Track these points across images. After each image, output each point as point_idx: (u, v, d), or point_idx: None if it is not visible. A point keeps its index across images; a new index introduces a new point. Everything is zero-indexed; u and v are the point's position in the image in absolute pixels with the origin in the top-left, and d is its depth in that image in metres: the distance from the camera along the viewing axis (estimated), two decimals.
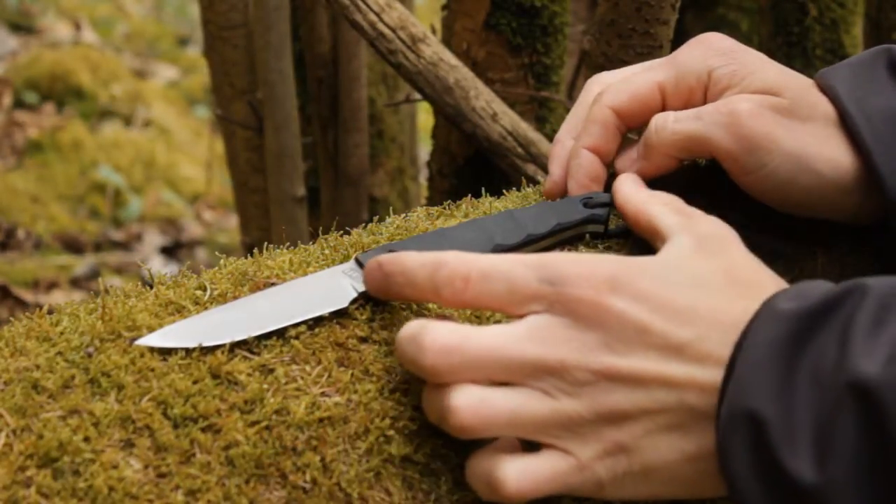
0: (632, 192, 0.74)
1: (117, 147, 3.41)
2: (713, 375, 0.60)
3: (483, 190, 0.84)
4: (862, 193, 0.75)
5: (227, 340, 0.66)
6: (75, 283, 2.78)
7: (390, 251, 0.72)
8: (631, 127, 0.81)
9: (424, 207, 0.84)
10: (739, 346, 0.59)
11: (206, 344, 0.66)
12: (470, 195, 0.86)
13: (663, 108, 0.79)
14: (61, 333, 0.67)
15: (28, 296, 2.62)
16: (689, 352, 0.61)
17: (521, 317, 0.63)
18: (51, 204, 3.11)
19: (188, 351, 0.66)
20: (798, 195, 0.75)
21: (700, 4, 2.02)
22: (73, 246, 2.97)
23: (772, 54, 1.62)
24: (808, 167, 0.74)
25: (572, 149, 0.81)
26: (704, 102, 0.78)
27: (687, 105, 0.79)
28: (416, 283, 0.65)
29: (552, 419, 0.61)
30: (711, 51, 0.78)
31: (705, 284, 0.63)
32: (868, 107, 0.74)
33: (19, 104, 3.65)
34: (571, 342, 0.61)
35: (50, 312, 0.70)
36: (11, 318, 0.71)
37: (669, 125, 0.76)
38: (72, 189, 3.20)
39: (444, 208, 0.84)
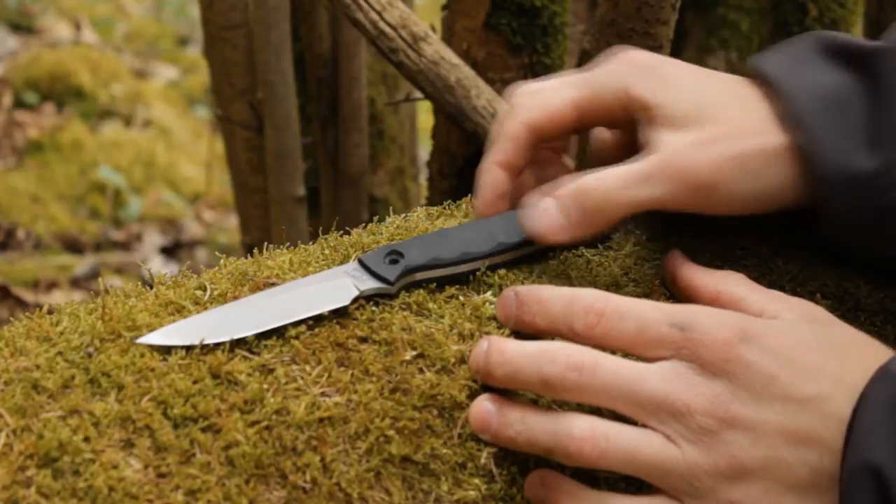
0: (700, 276, 0.72)
1: (117, 147, 3.41)
2: (836, 434, 0.60)
3: None
4: (796, 175, 0.73)
5: (227, 338, 0.66)
6: (75, 283, 2.78)
7: (394, 251, 0.72)
8: (544, 142, 0.79)
9: (424, 207, 0.84)
10: (860, 405, 0.60)
11: (207, 342, 0.66)
12: (470, 195, 0.86)
13: (579, 125, 0.77)
14: (61, 333, 0.67)
15: (28, 296, 2.62)
16: (813, 408, 0.61)
17: (648, 360, 0.64)
18: (51, 204, 3.11)
19: (188, 350, 0.66)
20: (744, 204, 0.74)
21: (700, 4, 2.02)
22: (73, 246, 2.97)
23: None
24: (753, 176, 0.73)
25: (482, 164, 0.78)
26: (624, 120, 0.76)
27: (605, 122, 0.77)
28: (551, 314, 0.66)
29: (671, 466, 0.61)
30: (629, 67, 0.76)
31: (828, 348, 0.64)
32: (799, 84, 0.73)
33: (19, 104, 3.65)
34: (698, 387, 0.62)
35: (50, 312, 0.70)
36: (11, 318, 0.71)
37: (617, 193, 0.72)
38: (72, 189, 3.20)
39: (444, 208, 0.84)
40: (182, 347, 0.66)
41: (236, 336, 0.66)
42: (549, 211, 0.73)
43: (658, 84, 0.75)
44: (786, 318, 0.66)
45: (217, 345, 0.66)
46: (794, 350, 0.63)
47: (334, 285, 0.70)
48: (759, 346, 0.62)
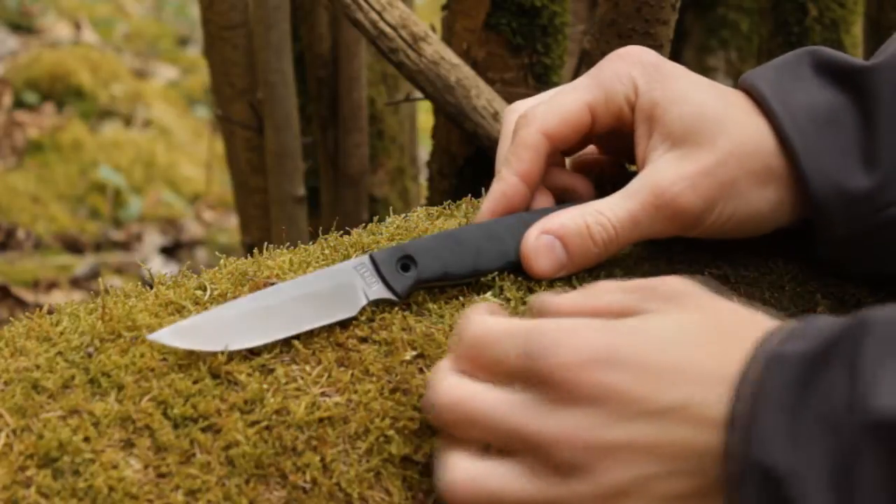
0: (564, 301, 0.66)
1: (117, 147, 3.41)
2: (712, 438, 0.56)
3: (483, 190, 0.84)
4: (791, 196, 0.74)
5: (236, 348, 0.66)
6: (75, 283, 2.78)
7: (406, 255, 0.71)
8: (559, 151, 0.78)
9: (424, 207, 0.84)
10: (739, 398, 0.56)
11: (208, 349, 0.65)
12: (470, 195, 0.86)
13: (592, 129, 0.77)
14: (61, 333, 0.67)
15: (28, 296, 2.62)
16: (680, 416, 0.57)
17: (514, 391, 0.61)
18: (51, 204, 3.11)
19: (188, 350, 0.66)
20: (739, 226, 0.74)
21: (700, 4, 2.02)
22: (73, 246, 2.97)
23: (772, 54, 1.63)
24: (745, 200, 0.73)
25: (500, 175, 0.77)
26: (633, 123, 0.76)
27: (616, 125, 0.77)
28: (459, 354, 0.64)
29: (540, 502, 0.59)
30: (637, 68, 0.75)
31: (696, 341, 0.59)
32: (793, 104, 0.73)
33: (19, 104, 3.65)
34: (556, 419, 0.58)
35: (50, 312, 0.70)
36: (11, 318, 0.71)
37: (617, 232, 0.73)
38: (72, 189, 3.20)
39: (444, 208, 0.84)
40: (190, 352, 0.66)
41: (245, 346, 0.66)
42: (554, 252, 0.73)
43: (665, 91, 0.74)
44: (652, 315, 0.61)
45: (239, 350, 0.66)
46: (656, 355, 0.58)
47: (343, 289, 0.70)
48: (613, 362, 0.58)
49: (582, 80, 0.77)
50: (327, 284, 0.70)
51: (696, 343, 0.59)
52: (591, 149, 0.85)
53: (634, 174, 0.75)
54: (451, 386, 0.62)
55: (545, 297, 0.66)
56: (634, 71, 0.75)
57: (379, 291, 0.70)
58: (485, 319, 0.63)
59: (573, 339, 0.59)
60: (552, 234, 0.73)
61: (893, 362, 0.54)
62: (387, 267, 0.71)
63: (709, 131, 0.73)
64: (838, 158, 0.72)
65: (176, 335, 0.65)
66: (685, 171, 0.72)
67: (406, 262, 0.71)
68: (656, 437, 0.57)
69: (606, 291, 0.65)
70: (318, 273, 0.71)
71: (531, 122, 0.76)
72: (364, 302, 0.70)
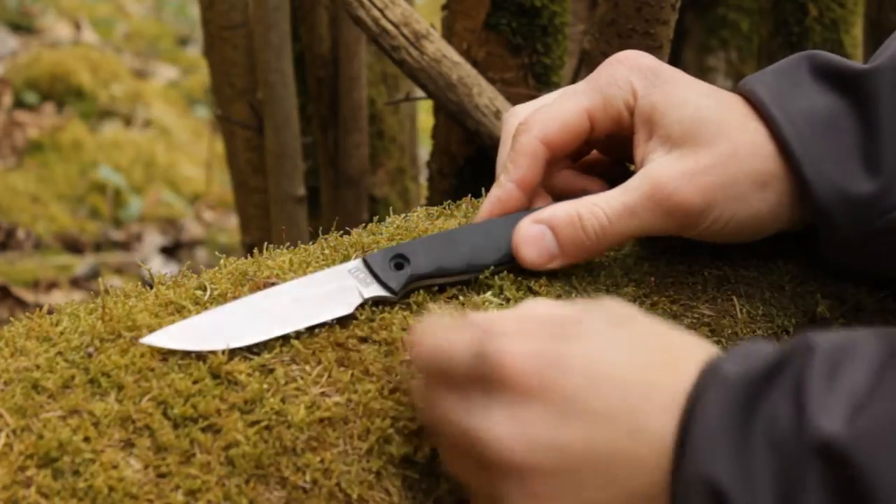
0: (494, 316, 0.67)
1: (117, 147, 3.41)
2: (652, 450, 0.57)
3: (483, 190, 0.84)
4: (791, 200, 0.74)
5: (234, 345, 0.66)
6: (75, 283, 2.78)
7: (399, 254, 0.72)
8: (557, 157, 0.78)
9: (424, 207, 0.84)
10: (688, 414, 0.56)
11: (210, 348, 0.65)
12: (470, 195, 0.86)
13: (592, 134, 0.77)
14: (61, 333, 0.67)
15: (28, 296, 2.62)
16: (619, 423, 0.57)
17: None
18: (51, 204, 3.11)
19: (188, 350, 0.66)
20: (739, 229, 0.74)
21: (700, 4, 2.02)
22: (73, 246, 2.97)
23: (772, 54, 1.63)
24: (744, 203, 0.73)
25: (498, 181, 0.77)
26: (632, 127, 0.76)
27: (614, 130, 0.77)
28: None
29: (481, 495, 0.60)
30: (635, 73, 0.75)
31: (635, 354, 0.60)
32: (792, 109, 0.73)
33: (19, 104, 3.65)
34: (504, 416, 0.59)
35: (50, 312, 0.70)
36: (11, 318, 0.71)
37: (610, 225, 0.72)
38: (72, 189, 3.20)
39: (444, 208, 0.84)
40: (188, 352, 0.66)
41: (242, 344, 0.66)
42: (544, 240, 0.73)
43: (664, 95, 0.74)
44: (593, 326, 0.62)
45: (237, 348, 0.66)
46: (605, 368, 0.59)
47: (339, 290, 0.70)
48: (563, 367, 0.58)
49: (581, 86, 0.77)
50: (323, 286, 0.70)
51: (643, 357, 0.60)
52: (592, 152, 0.85)
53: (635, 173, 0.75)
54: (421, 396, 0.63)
55: (481, 316, 0.66)
56: (633, 75, 0.75)
57: (375, 290, 0.71)
58: (433, 320, 0.63)
59: (522, 338, 0.60)
60: (543, 223, 0.73)
61: (838, 385, 0.54)
62: (380, 267, 0.71)
63: (708, 134, 0.73)
64: (840, 163, 0.72)
65: (170, 338, 0.66)
66: (685, 167, 0.72)
67: (399, 261, 0.72)
68: (598, 441, 0.57)
69: (546, 304, 0.65)
70: (312, 277, 0.71)
71: (530, 128, 0.76)
72: (360, 300, 0.70)
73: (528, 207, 0.77)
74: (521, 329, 0.60)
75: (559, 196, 0.78)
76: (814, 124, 0.73)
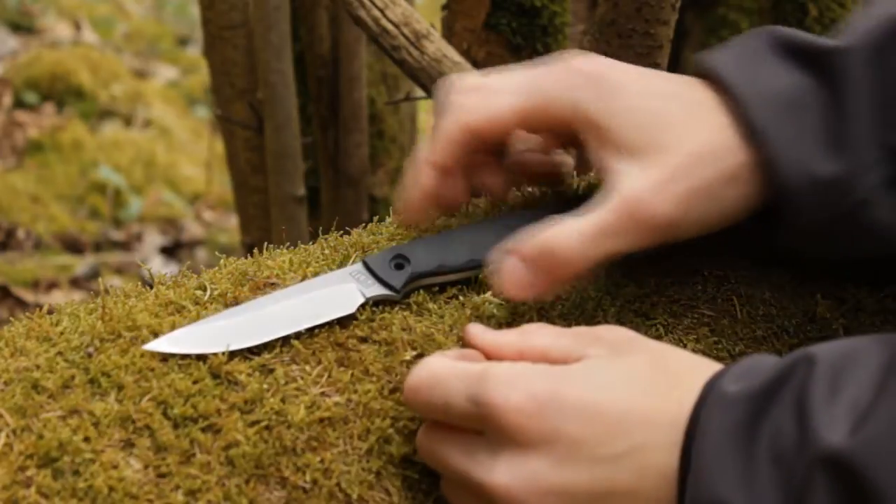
0: (501, 339, 0.67)
1: (117, 147, 3.41)
2: (656, 486, 0.57)
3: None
4: (759, 189, 0.70)
5: (236, 347, 0.66)
6: (75, 283, 2.78)
7: (399, 254, 0.72)
8: (482, 146, 0.75)
9: None
10: (691, 437, 0.57)
11: (214, 351, 0.65)
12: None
13: (528, 131, 0.75)
14: (61, 333, 0.67)
15: (28, 296, 2.62)
16: (625, 464, 0.58)
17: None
18: (51, 204, 3.11)
19: (198, 359, 0.66)
20: (708, 226, 0.71)
21: (700, 4, 2.02)
22: (73, 246, 2.97)
23: None
24: (715, 200, 0.69)
25: (415, 161, 0.74)
26: (571, 132, 0.72)
27: (551, 130, 0.75)
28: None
29: None
30: (577, 78, 0.71)
31: (638, 386, 0.60)
32: (759, 90, 0.69)
33: (19, 104, 3.65)
34: (507, 465, 0.59)
35: (50, 312, 0.70)
36: (11, 318, 0.71)
37: (582, 249, 0.68)
38: (72, 189, 3.20)
39: None
40: (193, 356, 0.66)
41: (244, 346, 0.66)
42: (516, 272, 0.69)
43: (607, 101, 0.70)
44: (591, 359, 0.61)
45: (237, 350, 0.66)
46: (603, 402, 0.59)
47: (340, 291, 0.70)
48: (560, 408, 0.58)
49: (520, 79, 0.74)
50: (324, 289, 0.70)
51: (643, 389, 0.60)
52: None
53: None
54: (422, 431, 0.64)
55: (479, 331, 0.67)
56: (574, 80, 0.72)
57: (376, 290, 0.71)
58: (430, 363, 0.64)
59: (519, 383, 0.59)
60: (517, 256, 0.70)
61: (840, 396, 0.54)
62: (381, 268, 0.71)
63: (664, 134, 0.69)
64: (807, 144, 0.69)
65: (171, 344, 0.66)
66: (653, 178, 0.68)
67: (399, 261, 0.72)
68: (603, 483, 0.58)
69: (545, 335, 0.65)
70: (313, 280, 0.71)
71: (457, 112, 0.73)
72: (361, 299, 0.70)
73: (443, 189, 0.75)
74: (516, 373, 0.60)
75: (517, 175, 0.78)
76: (780, 104, 0.69)
